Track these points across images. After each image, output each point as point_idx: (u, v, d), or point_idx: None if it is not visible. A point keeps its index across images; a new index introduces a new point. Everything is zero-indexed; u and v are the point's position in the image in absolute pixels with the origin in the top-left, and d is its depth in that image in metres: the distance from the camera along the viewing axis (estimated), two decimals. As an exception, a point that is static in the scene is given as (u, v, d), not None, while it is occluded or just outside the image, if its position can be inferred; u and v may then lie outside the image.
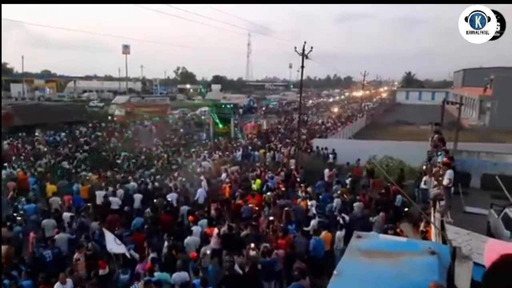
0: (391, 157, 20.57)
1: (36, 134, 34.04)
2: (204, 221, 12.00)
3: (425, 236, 8.98)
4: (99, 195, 14.93)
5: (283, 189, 16.25)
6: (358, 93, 78.31)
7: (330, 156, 23.08)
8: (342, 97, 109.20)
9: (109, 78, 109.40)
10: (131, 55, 75.11)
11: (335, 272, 2.16)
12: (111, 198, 14.54)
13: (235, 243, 10.58)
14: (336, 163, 22.23)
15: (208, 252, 10.23)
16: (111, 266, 9.35)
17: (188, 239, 10.71)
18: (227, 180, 17.89)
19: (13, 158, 24.15)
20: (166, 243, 10.34)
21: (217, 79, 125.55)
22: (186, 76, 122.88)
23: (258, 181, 17.23)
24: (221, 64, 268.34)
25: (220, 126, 37.06)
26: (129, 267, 9.10)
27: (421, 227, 9.73)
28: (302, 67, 23.67)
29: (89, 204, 14.32)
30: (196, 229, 11.35)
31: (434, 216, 9.75)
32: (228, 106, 40.10)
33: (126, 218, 12.81)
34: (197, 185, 16.69)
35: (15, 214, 12.85)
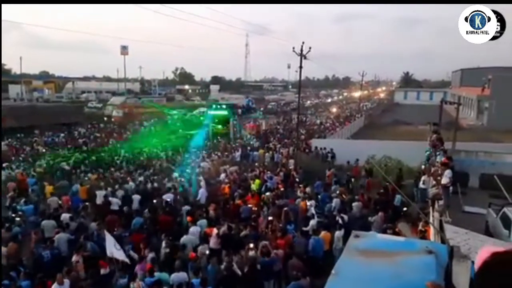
0: (390, 157, 20.60)
1: (35, 135, 33.99)
2: (203, 221, 12.01)
3: (423, 235, 9.00)
4: (100, 195, 14.92)
5: (282, 189, 16.27)
6: (357, 93, 78.40)
7: (329, 156, 23.14)
8: (340, 97, 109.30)
9: (107, 79, 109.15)
10: (129, 56, 74.79)
11: (333, 271, 2.16)
12: (111, 199, 14.53)
13: (235, 243, 10.59)
14: (335, 163, 22.27)
15: (207, 252, 10.26)
16: (111, 266, 9.34)
17: (184, 238, 10.75)
18: (226, 180, 17.89)
19: (12, 159, 24.11)
20: (164, 243, 10.34)
21: (216, 80, 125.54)
22: (185, 77, 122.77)
23: (257, 181, 17.24)
24: (219, 65, 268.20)
25: (219, 126, 37.02)
26: (127, 270, 9.08)
27: (420, 227, 9.75)
28: (301, 67, 23.69)
29: (87, 204, 14.31)
30: (194, 229, 11.35)
31: (432, 216, 9.79)
32: (226, 106, 40.08)
33: (125, 219, 12.81)
34: (196, 185, 16.68)
35: (14, 215, 12.82)
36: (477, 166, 15.17)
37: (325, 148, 23.90)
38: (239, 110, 40.13)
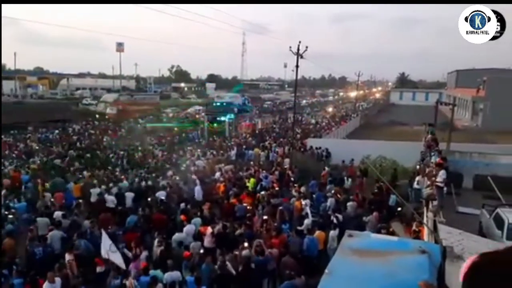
0: (385, 157, 20.68)
1: (28, 132, 33.76)
2: (197, 220, 11.99)
3: (417, 235, 9.03)
4: (94, 193, 14.84)
5: (277, 188, 16.26)
6: (353, 93, 78.65)
7: (323, 155, 23.21)
8: (336, 97, 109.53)
9: (103, 76, 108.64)
10: (125, 53, 74.65)
11: (326, 271, 2.16)
12: (106, 196, 14.44)
13: (229, 242, 10.59)
14: (330, 162, 22.33)
15: (201, 251, 10.24)
16: (107, 265, 9.26)
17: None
18: (221, 179, 17.86)
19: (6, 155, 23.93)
20: (156, 241, 10.33)
21: (212, 78, 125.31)
22: (181, 75, 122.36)
23: (252, 180, 17.22)
24: (216, 63, 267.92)
25: (214, 125, 36.98)
26: (121, 270, 9.02)
27: (414, 227, 9.79)
28: (297, 66, 23.69)
29: (80, 202, 14.23)
30: (189, 227, 11.32)
31: (426, 216, 9.82)
32: (222, 104, 40.01)
33: (119, 217, 12.75)
34: (191, 183, 16.64)
35: (6, 213, 12.72)
36: (471, 167, 15.28)
37: (320, 148, 23.96)
38: (235, 109, 40.01)
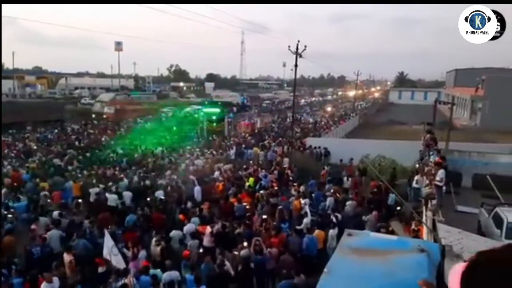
0: (384, 156, 20.68)
1: (27, 131, 33.68)
2: (195, 219, 12.01)
3: (416, 234, 9.05)
4: (93, 192, 14.82)
5: (276, 188, 16.26)
6: (351, 93, 78.68)
7: (322, 154, 23.24)
8: (335, 96, 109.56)
9: (101, 75, 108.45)
10: (123, 52, 74.43)
11: (325, 269, 2.16)
12: (108, 195, 14.40)
13: (228, 242, 10.60)
14: (329, 161, 22.35)
15: (201, 250, 10.25)
16: (108, 265, 9.23)
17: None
18: (220, 178, 17.86)
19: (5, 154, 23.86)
20: (154, 240, 10.34)
21: (211, 77, 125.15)
22: (180, 74, 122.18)
23: (251, 179, 17.23)
24: (215, 62, 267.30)
25: (213, 124, 36.93)
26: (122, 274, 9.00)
27: (413, 226, 9.80)
28: (296, 65, 23.71)
29: (79, 201, 14.21)
30: (189, 226, 11.33)
31: (425, 215, 9.83)
32: (221, 104, 40.00)
33: (118, 216, 12.74)
34: (190, 183, 16.63)
35: (6, 212, 12.70)
36: (470, 166, 15.28)
37: (319, 147, 23.97)
38: (234, 108, 40.06)
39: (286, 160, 21.97)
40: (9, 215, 12.40)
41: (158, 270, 8.72)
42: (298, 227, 11.49)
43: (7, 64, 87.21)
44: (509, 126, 33.58)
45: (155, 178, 18.22)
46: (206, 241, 10.87)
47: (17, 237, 11.14)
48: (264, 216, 12.05)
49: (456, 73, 69.49)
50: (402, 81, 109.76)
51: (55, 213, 12.45)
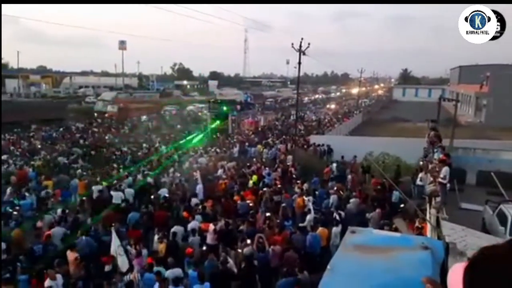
0: (388, 153, 20.61)
1: (32, 130, 33.83)
2: (198, 217, 12.04)
3: (420, 232, 9.01)
4: (95, 189, 14.89)
5: (279, 185, 16.25)
6: (355, 90, 78.48)
7: (325, 151, 23.25)
8: (339, 93, 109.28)
9: (105, 74, 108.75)
10: (127, 51, 74.43)
11: (328, 267, 2.16)
12: (113, 193, 14.43)
13: (231, 239, 10.62)
14: (332, 159, 22.33)
15: (204, 248, 10.28)
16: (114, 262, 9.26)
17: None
18: (224, 176, 17.88)
19: (8, 154, 23.98)
20: (156, 237, 10.39)
21: (214, 75, 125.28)
22: (183, 72, 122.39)
23: (255, 177, 17.24)
24: (218, 60, 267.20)
25: (217, 122, 36.94)
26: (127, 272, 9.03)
27: (417, 223, 9.77)
28: (299, 63, 23.68)
29: (84, 199, 14.29)
30: (193, 223, 11.37)
31: (429, 213, 9.80)
32: (225, 102, 40.00)
33: (123, 214, 12.79)
34: (193, 181, 16.67)
35: (11, 210, 12.79)
36: (475, 163, 15.20)
37: (323, 145, 23.95)
38: (238, 106, 40.00)
39: (289, 157, 21.96)
40: (15, 212, 12.52)
41: (162, 268, 8.77)
42: (301, 225, 11.49)
43: (12, 63, 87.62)
44: (514, 123, 33.40)
45: (159, 176, 18.28)
46: (210, 238, 10.90)
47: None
48: (268, 214, 12.07)
49: (460, 70, 69.13)
50: (406, 78, 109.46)
51: (59, 211, 12.54)
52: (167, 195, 14.47)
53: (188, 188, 16.09)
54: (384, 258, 2.13)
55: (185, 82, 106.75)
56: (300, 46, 23.00)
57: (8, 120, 32.21)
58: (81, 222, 11.90)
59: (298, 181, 16.38)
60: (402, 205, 13.04)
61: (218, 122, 36.57)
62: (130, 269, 8.71)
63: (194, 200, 13.90)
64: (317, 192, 15.29)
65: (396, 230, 9.38)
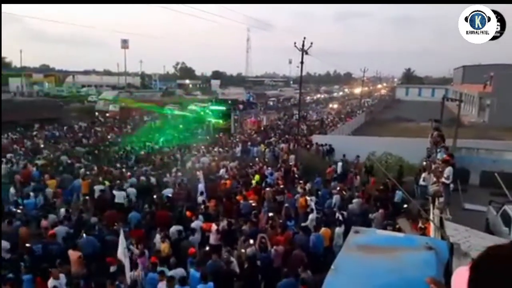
0: (391, 153, 20.57)
1: (35, 129, 33.97)
2: (200, 216, 12.06)
3: (423, 232, 8.99)
4: (97, 189, 14.94)
5: (282, 185, 16.25)
6: (358, 90, 78.34)
7: (326, 150, 23.27)
8: (341, 93, 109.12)
9: (108, 73, 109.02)
10: (130, 50, 74.58)
11: (332, 267, 2.16)
12: (115, 192, 14.46)
13: (234, 239, 10.62)
14: (333, 158, 22.32)
15: (207, 248, 10.29)
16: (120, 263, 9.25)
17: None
18: (226, 176, 17.89)
19: (12, 153, 24.07)
20: (159, 237, 10.42)
21: (217, 74, 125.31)
22: (185, 71, 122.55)
23: (257, 176, 17.24)
24: (220, 60, 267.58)
25: (220, 121, 36.98)
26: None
27: (420, 224, 9.75)
28: (302, 62, 23.61)
29: (87, 198, 14.32)
30: (197, 223, 11.39)
31: (433, 213, 9.78)
32: (228, 101, 40.06)
33: (125, 214, 12.82)
34: (195, 180, 16.68)
35: (14, 209, 12.84)
36: (478, 164, 15.15)
37: (325, 144, 23.93)
38: (240, 105, 40.05)
39: (292, 157, 21.96)
40: (18, 211, 12.57)
41: (166, 267, 8.77)
42: (304, 224, 11.48)
43: (15, 62, 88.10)
44: (518, 123, 33.26)
45: (161, 175, 18.32)
46: (212, 238, 10.91)
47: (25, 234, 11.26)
48: (270, 214, 12.06)
49: (464, 70, 68.90)
50: (409, 78, 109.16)
51: (62, 210, 12.57)
52: (170, 195, 14.50)
53: (191, 188, 16.11)
54: (387, 258, 2.13)
55: (187, 81, 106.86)
56: (303, 45, 22.94)
57: (7, 119, 32.00)
58: (85, 221, 11.92)
59: (301, 181, 16.38)
60: (405, 206, 13.02)
61: (220, 121, 36.61)
62: (134, 267, 8.73)
63: (199, 198, 13.94)
64: (319, 192, 15.27)
65: (399, 230, 9.37)
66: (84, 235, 10.39)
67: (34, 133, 32.55)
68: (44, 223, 11.48)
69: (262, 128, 37.61)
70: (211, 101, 42.86)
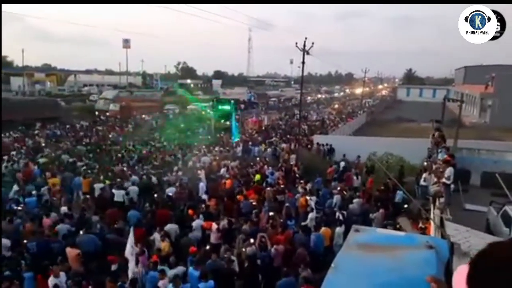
0: (392, 153, 20.57)
1: (36, 128, 34.02)
2: (200, 215, 12.08)
3: (424, 232, 9.00)
4: (97, 187, 14.95)
5: (282, 185, 16.26)
6: (359, 90, 78.30)
7: (326, 150, 23.27)
8: (342, 93, 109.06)
9: (109, 73, 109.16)
10: (131, 50, 74.89)
11: (332, 265, 2.16)
12: (115, 191, 14.48)
13: (233, 238, 10.64)
14: (334, 158, 22.31)
15: (208, 247, 10.31)
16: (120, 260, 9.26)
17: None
18: (227, 175, 17.89)
19: (15, 151, 24.11)
20: (159, 236, 10.44)
21: (218, 74, 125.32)
22: (187, 71, 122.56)
23: (258, 176, 17.25)
24: (222, 59, 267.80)
25: (221, 121, 36.96)
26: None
27: (420, 224, 9.76)
28: (303, 62, 23.59)
29: (88, 196, 14.34)
30: (198, 222, 11.40)
31: (433, 213, 9.78)
32: (229, 101, 40.04)
33: (126, 212, 12.83)
34: (197, 179, 16.70)
35: (16, 207, 12.87)
36: (479, 164, 15.12)
37: (326, 144, 23.93)
38: (241, 105, 40.04)
39: (293, 157, 21.95)
40: (19, 208, 12.60)
41: (166, 266, 8.79)
42: (303, 223, 11.50)
43: (17, 61, 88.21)
44: (519, 124, 33.21)
45: (162, 174, 18.32)
46: (213, 237, 10.93)
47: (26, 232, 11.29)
48: (271, 213, 12.07)
49: (465, 70, 68.82)
50: (411, 78, 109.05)
51: (63, 208, 12.59)
52: (171, 194, 14.51)
53: (192, 187, 16.12)
54: (388, 256, 2.13)
55: (188, 81, 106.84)
56: (304, 45, 22.93)
57: (9, 118, 31.91)
58: (87, 220, 11.93)
59: (302, 181, 16.39)
60: (406, 206, 13.03)
61: (221, 121, 36.60)
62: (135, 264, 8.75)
63: (204, 196, 14.06)
64: (320, 192, 15.28)
65: (400, 229, 9.37)
66: (81, 232, 10.37)
67: (36, 132, 32.60)
68: (46, 221, 11.50)
69: (263, 128, 37.61)
70: (213, 101, 42.85)
